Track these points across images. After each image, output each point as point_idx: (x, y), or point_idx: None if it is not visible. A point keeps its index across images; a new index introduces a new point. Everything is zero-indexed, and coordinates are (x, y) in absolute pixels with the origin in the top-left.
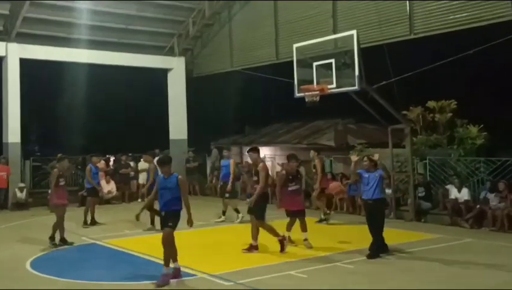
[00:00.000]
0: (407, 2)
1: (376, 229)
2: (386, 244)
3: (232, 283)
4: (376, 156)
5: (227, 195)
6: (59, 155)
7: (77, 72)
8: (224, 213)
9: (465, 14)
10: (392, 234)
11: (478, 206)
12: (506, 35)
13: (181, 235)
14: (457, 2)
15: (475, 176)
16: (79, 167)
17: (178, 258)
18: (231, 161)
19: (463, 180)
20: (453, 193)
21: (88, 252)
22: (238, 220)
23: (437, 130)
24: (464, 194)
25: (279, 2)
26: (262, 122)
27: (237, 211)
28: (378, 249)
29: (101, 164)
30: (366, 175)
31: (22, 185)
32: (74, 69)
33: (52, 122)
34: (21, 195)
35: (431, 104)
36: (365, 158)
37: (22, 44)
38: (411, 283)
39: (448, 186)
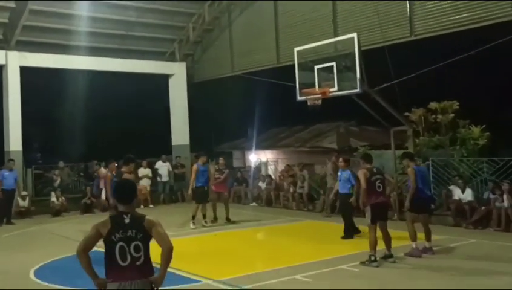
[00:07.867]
0: (407, 3)
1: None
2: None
3: (237, 288)
4: None
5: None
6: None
7: (78, 79)
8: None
9: (465, 15)
10: (396, 236)
11: (483, 207)
12: (508, 35)
13: (182, 242)
14: (457, 2)
15: (478, 177)
16: (81, 174)
17: (182, 264)
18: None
19: (466, 181)
20: (457, 193)
21: (93, 260)
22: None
23: (439, 131)
24: (468, 195)
25: (280, 6)
26: (264, 126)
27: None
28: None
29: (102, 170)
30: None
31: (25, 193)
32: (74, 76)
33: (54, 129)
34: (24, 203)
35: (433, 105)
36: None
37: (22, 52)
38: (418, 285)
39: (451, 187)
